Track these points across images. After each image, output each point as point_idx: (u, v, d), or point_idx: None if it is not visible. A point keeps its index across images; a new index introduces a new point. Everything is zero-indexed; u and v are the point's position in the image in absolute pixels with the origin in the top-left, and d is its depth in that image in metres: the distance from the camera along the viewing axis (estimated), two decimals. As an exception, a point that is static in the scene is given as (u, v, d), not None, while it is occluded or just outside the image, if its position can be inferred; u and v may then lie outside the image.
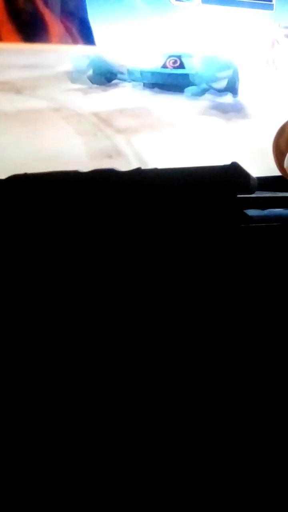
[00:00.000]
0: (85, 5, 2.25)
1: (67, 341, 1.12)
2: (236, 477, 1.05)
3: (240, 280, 1.05)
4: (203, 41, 2.35)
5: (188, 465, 1.08)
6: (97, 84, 2.38)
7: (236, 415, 1.06)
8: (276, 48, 2.51)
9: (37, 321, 1.14)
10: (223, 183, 1.06)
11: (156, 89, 2.38)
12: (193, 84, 2.39)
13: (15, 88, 2.22)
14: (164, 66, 2.38)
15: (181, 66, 2.37)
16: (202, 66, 2.38)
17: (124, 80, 2.38)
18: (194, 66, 2.38)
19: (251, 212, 1.18)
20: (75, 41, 2.29)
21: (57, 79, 2.31)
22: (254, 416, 1.05)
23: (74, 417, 1.13)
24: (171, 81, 2.36)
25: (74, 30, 2.28)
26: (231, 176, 1.05)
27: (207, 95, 2.41)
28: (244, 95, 2.43)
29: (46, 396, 1.14)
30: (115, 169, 1.12)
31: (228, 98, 2.43)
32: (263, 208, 1.27)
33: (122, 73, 2.38)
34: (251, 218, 1.13)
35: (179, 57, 2.37)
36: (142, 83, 2.38)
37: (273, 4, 2.44)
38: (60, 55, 2.31)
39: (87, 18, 2.26)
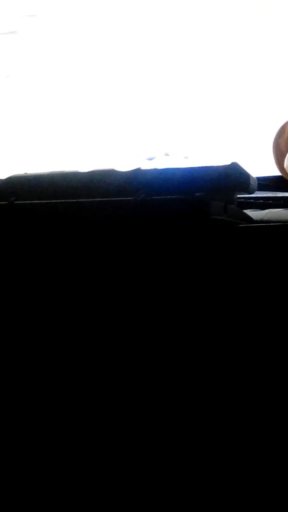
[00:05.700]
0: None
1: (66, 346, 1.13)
2: (236, 477, 1.05)
3: (240, 280, 1.05)
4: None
5: (188, 465, 1.08)
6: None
7: (235, 420, 1.06)
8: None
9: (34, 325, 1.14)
10: (223, 183, 1.06)
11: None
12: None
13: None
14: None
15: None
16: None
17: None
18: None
19: (251, 212, 1.18)
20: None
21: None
22: (253, 423, 1.05)
23: (73, 420, 1.13)
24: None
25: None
26: (231, 176, 1.05)
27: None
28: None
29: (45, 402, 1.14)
30: (115, 169, 1.12)
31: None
32: (263, 208, 1.27)
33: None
34: (251, 218, 1.13)
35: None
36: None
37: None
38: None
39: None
